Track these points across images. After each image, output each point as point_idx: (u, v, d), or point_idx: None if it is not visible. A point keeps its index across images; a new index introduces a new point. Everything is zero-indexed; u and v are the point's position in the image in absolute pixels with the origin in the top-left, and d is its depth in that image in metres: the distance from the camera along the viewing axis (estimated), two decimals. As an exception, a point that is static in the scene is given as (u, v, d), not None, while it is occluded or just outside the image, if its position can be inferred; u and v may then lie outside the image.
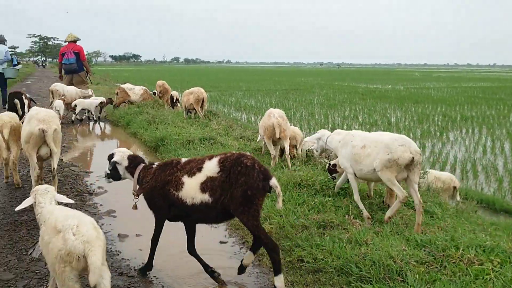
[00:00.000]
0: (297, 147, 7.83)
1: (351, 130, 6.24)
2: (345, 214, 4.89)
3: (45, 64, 79.13)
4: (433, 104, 20.87)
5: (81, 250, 2.68)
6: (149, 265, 3.97)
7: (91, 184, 6.91)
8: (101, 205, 5.93)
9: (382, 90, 31.97)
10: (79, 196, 6.22)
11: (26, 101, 8.99)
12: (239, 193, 3.44)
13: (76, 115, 12.94)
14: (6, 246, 4.47)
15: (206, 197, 3.56)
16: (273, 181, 3.52)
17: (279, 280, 3.55)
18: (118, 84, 28.25)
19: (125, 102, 14.18)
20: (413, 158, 4.49)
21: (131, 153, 4.17)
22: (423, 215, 4.66)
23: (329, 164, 5.84)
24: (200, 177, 3.60)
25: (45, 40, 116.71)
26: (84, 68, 13.94)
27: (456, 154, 10.13)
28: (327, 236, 4.26)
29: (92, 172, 7.64)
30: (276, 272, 3.56)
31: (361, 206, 4.98)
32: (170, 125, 10.58)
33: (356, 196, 5.03)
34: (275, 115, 6.89)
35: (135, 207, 3.97)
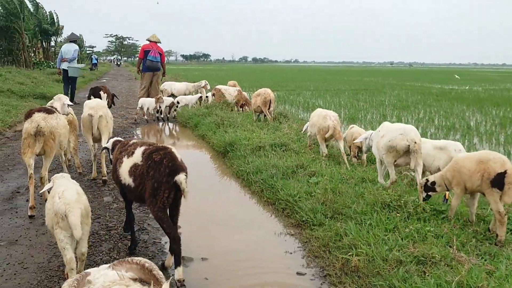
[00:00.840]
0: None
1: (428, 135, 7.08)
2: (446, 245, 4.07)
3: (120, 63, 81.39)
4: (516, 107, 19.41)
5: (63, 210, 3.20)
6: (132, 242, 4.33)
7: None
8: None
9: (458, 91, 30.21)
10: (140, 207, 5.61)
11: (104, 95, 10.50)
12: (149, 185, 3.68)
13: (160, 113, 13.21)
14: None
15: (131, 181, 3.89)
16: (179, 177, 3.62)
17: (178, 273, 3.72)
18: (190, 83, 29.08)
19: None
20: (409, 146, 5.16)
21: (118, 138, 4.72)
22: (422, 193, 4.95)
23: (427, 180, 4.89)
24: (130, 161, 3.94)
25: (121, 40, 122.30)
26: (162, 68, 14.40)
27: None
28: (429, 276, 3.48)
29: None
30: (176, 264, 3.74)
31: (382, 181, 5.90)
32: (239, 128, 10.11)
33: (380, 178, 5.94)
34: (331, 118, 7.38)
35: None
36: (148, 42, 13.99)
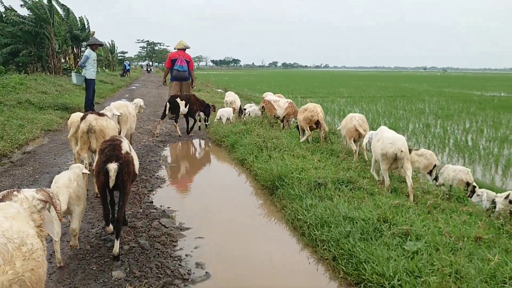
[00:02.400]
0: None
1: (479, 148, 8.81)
2: None
3: (151, 69, 77.20)
4: None
5: (56, 192, 3.56)
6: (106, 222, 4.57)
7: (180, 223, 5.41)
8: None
9: (502, 98, 28.74)
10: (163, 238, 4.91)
11: (182, 102, 11.17)
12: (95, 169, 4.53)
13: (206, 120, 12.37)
14: None
15: None
16: (109, 166, 4.15)
17: (115, 246, 4.26)
18: (219, 90, 28.02)
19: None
20: (396, 154, 5.94)
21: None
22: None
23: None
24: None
25: (152, 45, 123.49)
26: (190, 77, 13.12)
27: None
28: None
29: (177, 211, 5.83)
30: (116, 237, 4.27)
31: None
32: (286, 152, 8.13)
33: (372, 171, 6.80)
34: (356, 118, 8.12)
35: None
36: (175, 50, 12.91)
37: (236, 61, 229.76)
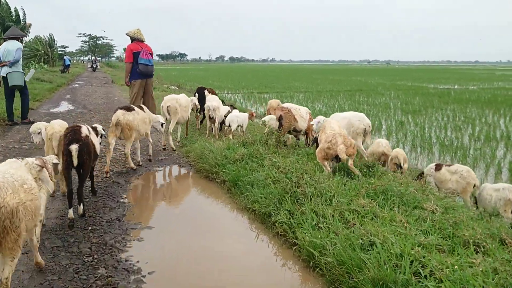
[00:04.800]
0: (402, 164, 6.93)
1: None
2: None
3: (97, 65, 61.97)
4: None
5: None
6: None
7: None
8: None
9: (457, 91, 28.67)
10: None
11: (209, 95, 10.86)
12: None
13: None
14: None
15: None
16: (71, 147, 4.82)
17: (79, 209, 5.22)
18: (173, 87, 25.65)
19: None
20: (365, 128, 7.25)
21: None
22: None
23: None
24: None
25: (95, 39, 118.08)
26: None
27: None
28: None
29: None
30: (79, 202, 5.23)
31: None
32: (339, 202, 4.95)
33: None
34: (382, 144, 7.58)
35: None
36: (132, 42, 10.20)
37: (182, 55, 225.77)
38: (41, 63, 41.64)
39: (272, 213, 5.06)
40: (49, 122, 6.11)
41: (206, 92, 10.95)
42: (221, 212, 5.88)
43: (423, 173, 6.27)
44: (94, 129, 5.70)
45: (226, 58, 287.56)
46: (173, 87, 23.57)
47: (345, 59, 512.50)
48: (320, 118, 7.49)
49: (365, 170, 6.41)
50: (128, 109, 7.18)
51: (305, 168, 6.26)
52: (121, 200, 6.08)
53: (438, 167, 5.97)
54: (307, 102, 20.65)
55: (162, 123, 8.38)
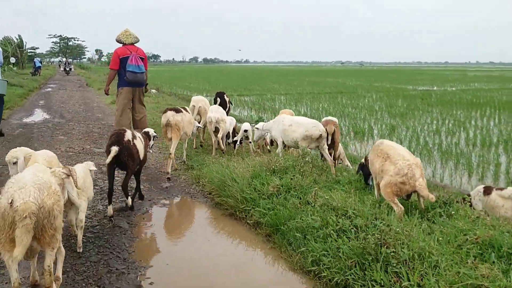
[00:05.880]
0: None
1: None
2: None
3: (70, 68, 53.83)
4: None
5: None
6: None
7: None
8: None
9: (437, 93, 28.56)
10: None
11: (227, 99, 10.65)
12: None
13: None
14: None
15: None
16: (111, 148, 5.21)
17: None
18: (153, 91, 23.50)
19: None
20: (320, 134, 6.83)
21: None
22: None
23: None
24: None
25: (66, 40, 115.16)
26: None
27: None
28: None
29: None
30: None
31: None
32: (426, 258, 3.49)
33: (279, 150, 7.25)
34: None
35: None
36: (121, 45, 8.80)
37: (156, 56, 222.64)
38: (10, 65, 39.88)
39: (354, 285, 3.53)
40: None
41: (225, 96, 10.50)
42: (271, 276, 4.20)
43: (468, 195, 5.33)
44: (146, 133, 6.41)
45: (200, 60, 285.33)
46: (153, 90, 22.44)
47: (318, 60, 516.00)
48: (260, 124, 7.96)
49: (437, 208, 4.94)
50: (177, 110, 7.58)
51: (374, 211, 4.56)
52: (129, 258, 4.38)
53: (487, 191, 5.00)
54: (290, 104, 20.13)
55: (199, 127, 8.71)
